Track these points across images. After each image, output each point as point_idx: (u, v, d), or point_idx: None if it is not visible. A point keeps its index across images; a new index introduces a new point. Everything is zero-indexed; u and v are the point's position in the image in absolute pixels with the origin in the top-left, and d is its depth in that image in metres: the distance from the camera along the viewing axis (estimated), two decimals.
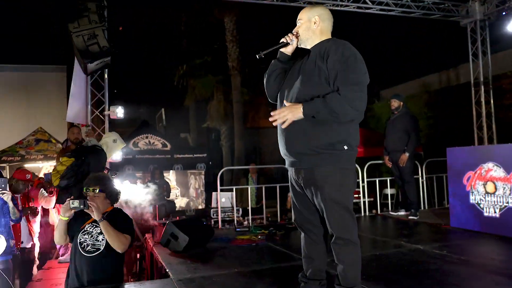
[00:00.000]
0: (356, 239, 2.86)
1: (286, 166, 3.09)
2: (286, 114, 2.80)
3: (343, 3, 8.79)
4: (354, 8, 9.01)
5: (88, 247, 3.61)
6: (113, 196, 3.90)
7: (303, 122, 2.81)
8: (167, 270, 4.56)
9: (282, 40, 3.04)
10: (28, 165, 11.82)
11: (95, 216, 3.55)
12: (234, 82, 15.15)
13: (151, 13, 16.15)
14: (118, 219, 3.72)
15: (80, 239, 3.66)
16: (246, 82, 15.58)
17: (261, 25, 14.85)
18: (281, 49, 3.08)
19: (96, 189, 3.72)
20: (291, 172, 3.07)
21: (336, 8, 8.76)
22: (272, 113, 2.87)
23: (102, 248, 3.60)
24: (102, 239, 3.61)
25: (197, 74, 15.98)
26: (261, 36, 14.21)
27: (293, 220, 3.26)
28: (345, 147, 2.82)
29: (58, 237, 3.73)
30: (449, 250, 4.90)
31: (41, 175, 10.72)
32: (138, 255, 6.63)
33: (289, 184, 3.15)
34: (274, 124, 2.90)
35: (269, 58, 3.13)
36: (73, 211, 3.58)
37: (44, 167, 12.61)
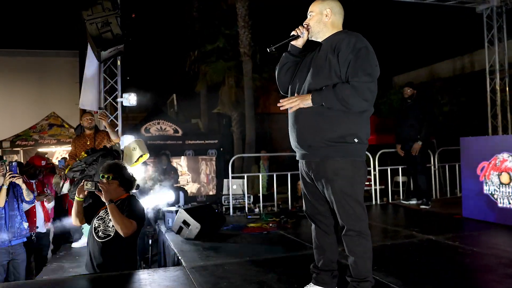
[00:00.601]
0: (367, 230, 2.87)
1: (297, 158, 3.11)
2: (295, 101, 2.84)
3: None
4: None
5: (100, 233, 3.68)
6: (127, 184, 3.95)
7: (315, 114, 2.84)
8: (179, 258, 4.61)
9: (293, 32, 3.04)
10: (41, 149, 11.97)
11: (103, 198, 3.61)
12: (246, 68, 15.07)
13: None
14: (128, 205, 3.77)
15: (95, 224, 3.75)
16: (258, 68, 15.51)
17: (274, 11, 14.75)
18: (292, 42, 3.08)
19: (109, 177, 3.79)
20: (301, 164, 3.09)
21: None
22: (281, 100, 2.90)
23: (112, 234, 3.66)
24: (113, 226, 3.66)
25: (209, 60, 15.94)
26: (273, 23, 14.13)
27: (304, 211, 3.28)
28: (356, 140, 2.83)
29: (74, 218, 3.85)
30: (462, 241, 4.88)
31: (54, 160, 10.84)
32: (150, 241, 6.69)
33: (300, 175, 3.17)
34: (281, 108, 2.92)
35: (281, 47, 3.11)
36: (87, 191, 3.70)
37: (57, 151, 12.76)
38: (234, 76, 16.01)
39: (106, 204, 3.62)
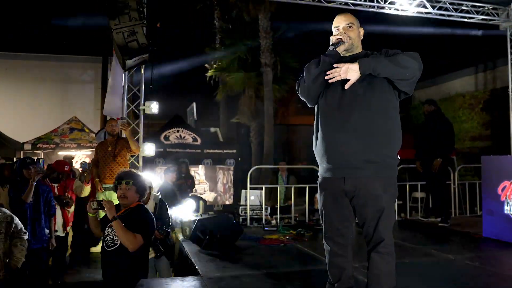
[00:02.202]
0: (394, 248, 2.89)
1: (332, 175, 2.89)
2: (339, 70, 2.75)
3: (380, 5, 8.66)
4: (391, 10, 8.88)
5: (108, 241, 3.69)
6: (142, 191, 3.90)
7: (370, 129, 2.79)
8: (196, 268, 4.63)
9: (340, 37, 2.89)
10: (61, 153, 12.14)
11: (108, 215, 3.62)
12: (266, 78, 15.12)
13: (186, 7, 16.30)
14: (135, 217, 3.73)
15: (105, 233, 3.75)
16: (278, 79, 15.55)
17: (296, 23, 14.83)
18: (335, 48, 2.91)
19: (129, 182, 3.78)
20: (334, 183, 2.89)
21: (372, 9, 8.65)
22: (328, 72, 2.78)
23: (118, 243, 3.63)
24: None
25: (230, 69, 16.02)
26: (294, 34, 14.20)
27: (323, 235, 3.11)
28: (399, 157, 2.91)
29: (93, 230, 3.88)
30: (482, 261, 4.82)
31: (75, 163, 10.97)
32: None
33: (325, 195, 2.97)
34: (330, 80, 2.79)
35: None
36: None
37: (77, 155, 12.91)
38: (254, 86, 16.05)
39: (111, 221, 3.62)
